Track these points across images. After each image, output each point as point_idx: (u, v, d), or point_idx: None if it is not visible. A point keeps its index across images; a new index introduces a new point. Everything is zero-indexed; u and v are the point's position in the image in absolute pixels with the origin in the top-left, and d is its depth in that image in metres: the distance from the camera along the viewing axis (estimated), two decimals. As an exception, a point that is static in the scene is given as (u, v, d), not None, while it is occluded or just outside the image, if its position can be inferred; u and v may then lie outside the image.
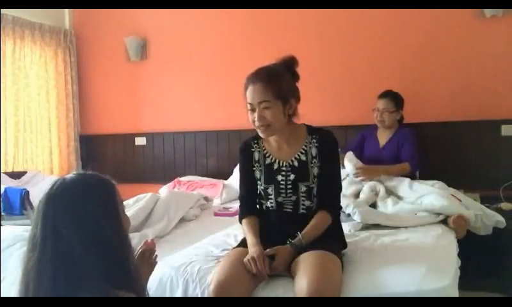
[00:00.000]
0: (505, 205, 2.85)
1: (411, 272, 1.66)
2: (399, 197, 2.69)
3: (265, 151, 1.91)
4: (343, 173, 2.79)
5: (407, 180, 2.75)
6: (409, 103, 3.10)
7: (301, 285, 1.54)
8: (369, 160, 3.02)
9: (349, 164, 2.90)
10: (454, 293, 1.62)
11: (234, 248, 1.88)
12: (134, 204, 2.67)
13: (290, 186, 1.84)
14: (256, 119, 1.78)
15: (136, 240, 2.19)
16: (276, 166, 1.87)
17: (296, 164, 1.85)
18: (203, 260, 1.87)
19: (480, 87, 3.25)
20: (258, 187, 1.91)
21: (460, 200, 2.58)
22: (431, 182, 2.76)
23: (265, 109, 1.76)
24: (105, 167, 3.75)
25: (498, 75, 3.21)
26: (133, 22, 4.20)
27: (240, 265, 1.67)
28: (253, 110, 1.79)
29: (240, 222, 1.93)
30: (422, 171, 3.06)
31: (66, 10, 4.38)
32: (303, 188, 1.83)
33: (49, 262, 1.05)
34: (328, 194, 1.85)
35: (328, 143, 1.86)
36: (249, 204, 1.94)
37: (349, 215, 2.39)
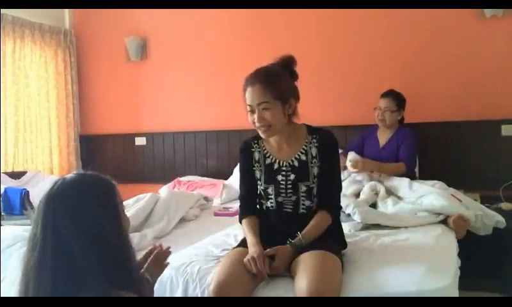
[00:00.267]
0: (505, 205, 2.86)
1: (411, 272, 1.66)
2: (399, 197, 2.69)
3: (265, 151, 1.91)
4: (343, 173, 2.80)
5: (407, 180, 2.75)
6: (410, 103, 3.09)
7: (301, 285, 1.54)
8: (369, 160, 3.02)
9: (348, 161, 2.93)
10: (454, 293, 1.62)
11: (234, 248, 1.88)
12: (134, 204, 2.67)
13: (290, 186, 1.84)
14: (256, 120, 1.78)
15: (136, 240, 2.19)
16: (276, 166, 1.87)
17: (296, 163, 1.85)
18: (203, 260, 1.87)
19: (480, 87, 3.25)
20: (258, 187, 1.91)
21: (460, 200, 2.58)
22: (431, 182, 2.76)
23: (264, 110, 1.76)
24: (105, 167, 3.76)
25: (498, 75, 3.21)
26: (133, 22, 4.20)
27: (240, 265, 1.67)
28: (252, 111, 1.79)
29: (240, 222, 1.93)
30: (421, 171, 3.06)
31: (66, 10, 4.38)
32: (303, 188, 1.83)
33: (49, 262, 1.05)
34: (328, 194, 1.85)
35: (328, 143, 1.86)
36: (249, 204, 1.94)
37: (349, 215, 2.39)
